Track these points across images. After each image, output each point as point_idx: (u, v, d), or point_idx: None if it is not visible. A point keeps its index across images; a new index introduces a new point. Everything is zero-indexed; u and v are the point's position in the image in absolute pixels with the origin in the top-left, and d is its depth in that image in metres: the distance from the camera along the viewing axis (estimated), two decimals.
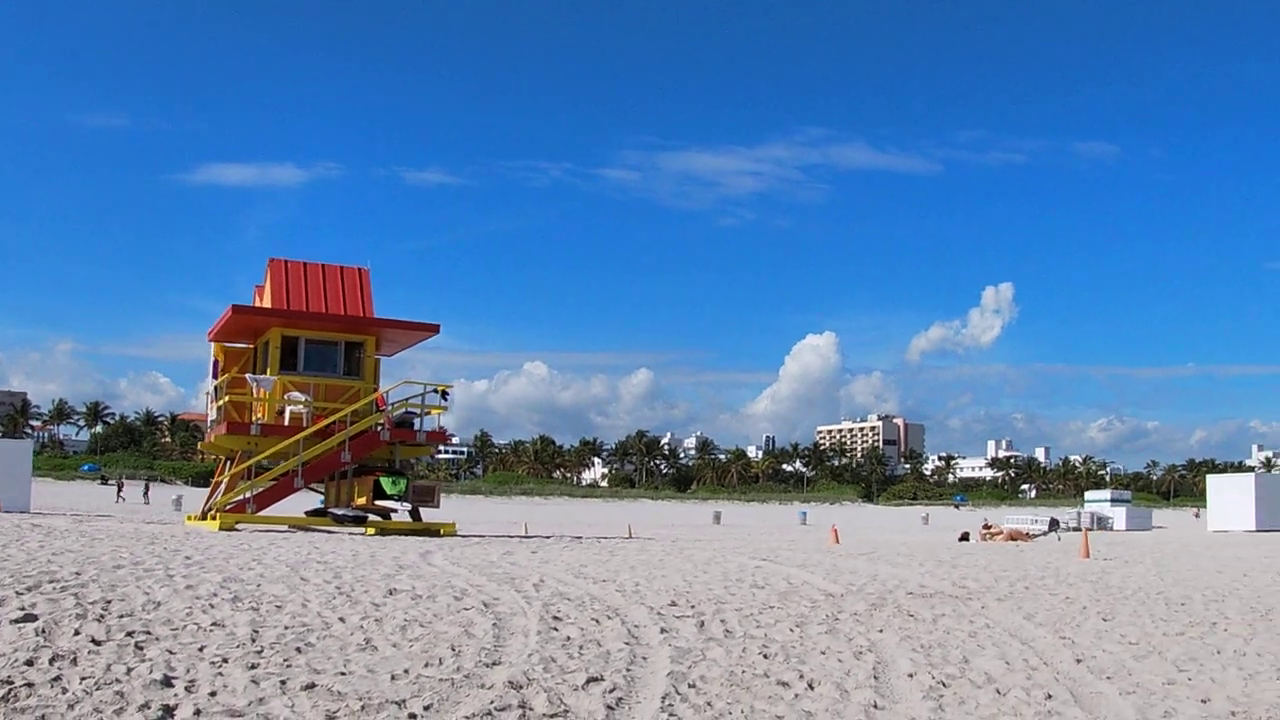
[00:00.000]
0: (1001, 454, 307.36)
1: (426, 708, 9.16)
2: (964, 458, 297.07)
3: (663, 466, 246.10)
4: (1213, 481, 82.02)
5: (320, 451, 33.96)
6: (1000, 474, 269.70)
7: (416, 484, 35.21)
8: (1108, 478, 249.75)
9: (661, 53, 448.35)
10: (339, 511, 34.58)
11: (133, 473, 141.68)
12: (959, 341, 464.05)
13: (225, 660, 10.44)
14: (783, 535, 50.98)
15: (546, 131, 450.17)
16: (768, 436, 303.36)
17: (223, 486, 36.76)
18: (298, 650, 11.07)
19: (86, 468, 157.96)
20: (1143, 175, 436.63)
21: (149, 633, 11.47)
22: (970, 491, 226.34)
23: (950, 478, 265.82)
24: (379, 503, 34.33)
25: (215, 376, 38.09)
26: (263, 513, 34.04)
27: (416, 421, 36.61)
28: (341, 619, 12.91)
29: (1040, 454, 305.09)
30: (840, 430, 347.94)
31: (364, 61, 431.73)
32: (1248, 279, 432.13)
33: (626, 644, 12.17)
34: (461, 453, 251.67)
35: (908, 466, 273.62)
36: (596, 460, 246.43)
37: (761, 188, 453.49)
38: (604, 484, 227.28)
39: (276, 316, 35.93)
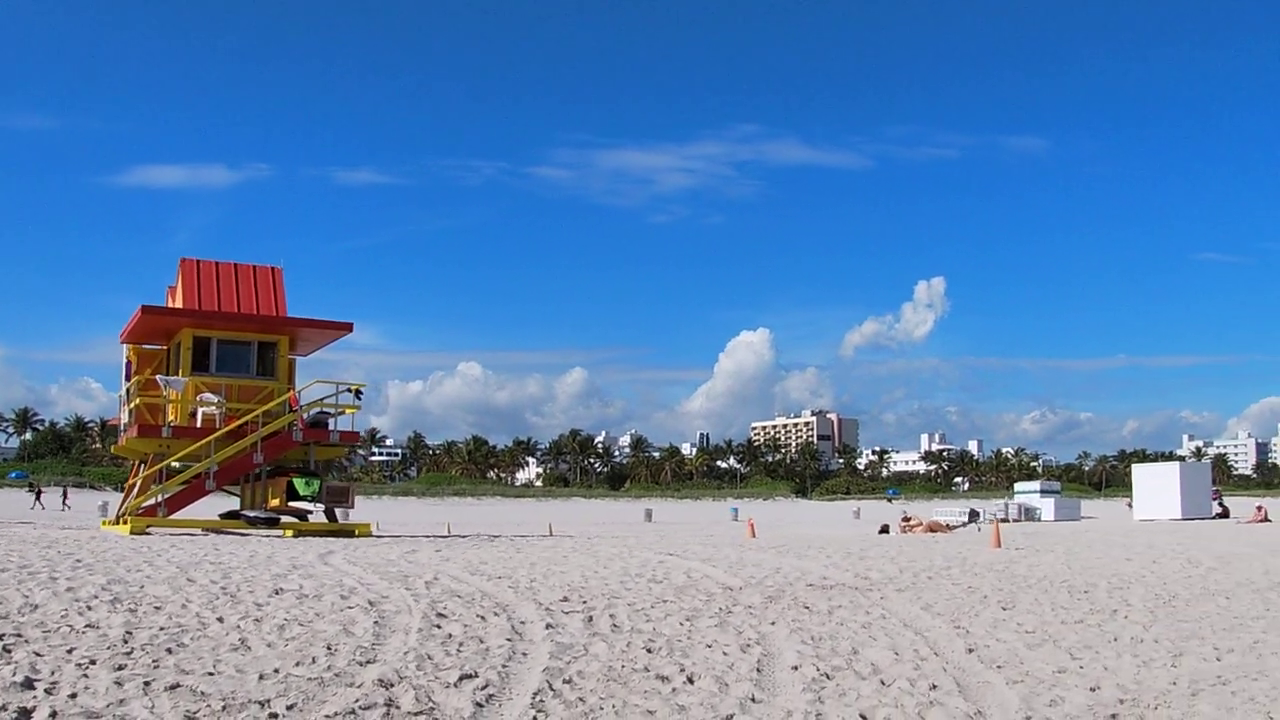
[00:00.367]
0: (935, 447, 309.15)
1: (290, 707, 8.93)
2: (898, 452, 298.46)
3: (597, 465, 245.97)
4: (1138, 471, 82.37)
5: (232, 453, 33.54)
6: (933, 467, 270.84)
7: (330, 485, 34.88)
8: (1040, 469, 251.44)
9: (594, 51, 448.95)
10: (251, 514, 34.14)
11: (60, 479, 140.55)
12: (892, 336, 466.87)
13: (93, 662, 10.18)
14: (708, 531, 50.75)
15: (479, 130, 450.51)
16: (702, 434, 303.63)
17: (135, 490, 36.28)
18: (169, 651, 10.81)
19: (15, 475, 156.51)
20: (1073, 169, 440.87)
21: (19, 635, 11.25)
22: (904, 485, 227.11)
23: (884, 472, 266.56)
24: (293, 504, 33.97)
25: (128, 378, 37.56)
26: (177, 516, 33.63)
27: (331, 422, 36.17)
28: (220, 619, 12.67)
29: (973, 447, 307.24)
30: (774, 426, 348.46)
31: (293, 61, 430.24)
32: (1177, 270, 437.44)
33: (509, 640, 11.99)
34: (395, 454, 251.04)
35: (841, 461, 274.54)
36: (531, 460, 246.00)
37: (694, 184, 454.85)
38: (538, 484, 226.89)
39: (187, 317, 35.47)
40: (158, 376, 35.55)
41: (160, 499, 33.61)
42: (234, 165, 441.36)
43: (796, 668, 11.06)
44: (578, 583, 17.27)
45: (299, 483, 33.52)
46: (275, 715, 8.73)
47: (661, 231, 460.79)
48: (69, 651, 10.58)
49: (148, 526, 32.03)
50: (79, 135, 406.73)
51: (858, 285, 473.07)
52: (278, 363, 36.26)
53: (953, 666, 11.38)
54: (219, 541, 26.46)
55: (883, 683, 10.53)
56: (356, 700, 9.17)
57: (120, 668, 10.03)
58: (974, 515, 64.62)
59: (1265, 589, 19.21)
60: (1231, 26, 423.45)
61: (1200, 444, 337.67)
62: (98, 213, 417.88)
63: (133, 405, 36.01)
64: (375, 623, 12.77)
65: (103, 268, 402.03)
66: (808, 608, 15.20)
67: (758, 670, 10.92)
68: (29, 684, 9.25)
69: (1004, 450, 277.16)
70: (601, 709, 9.31)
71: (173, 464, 34.28)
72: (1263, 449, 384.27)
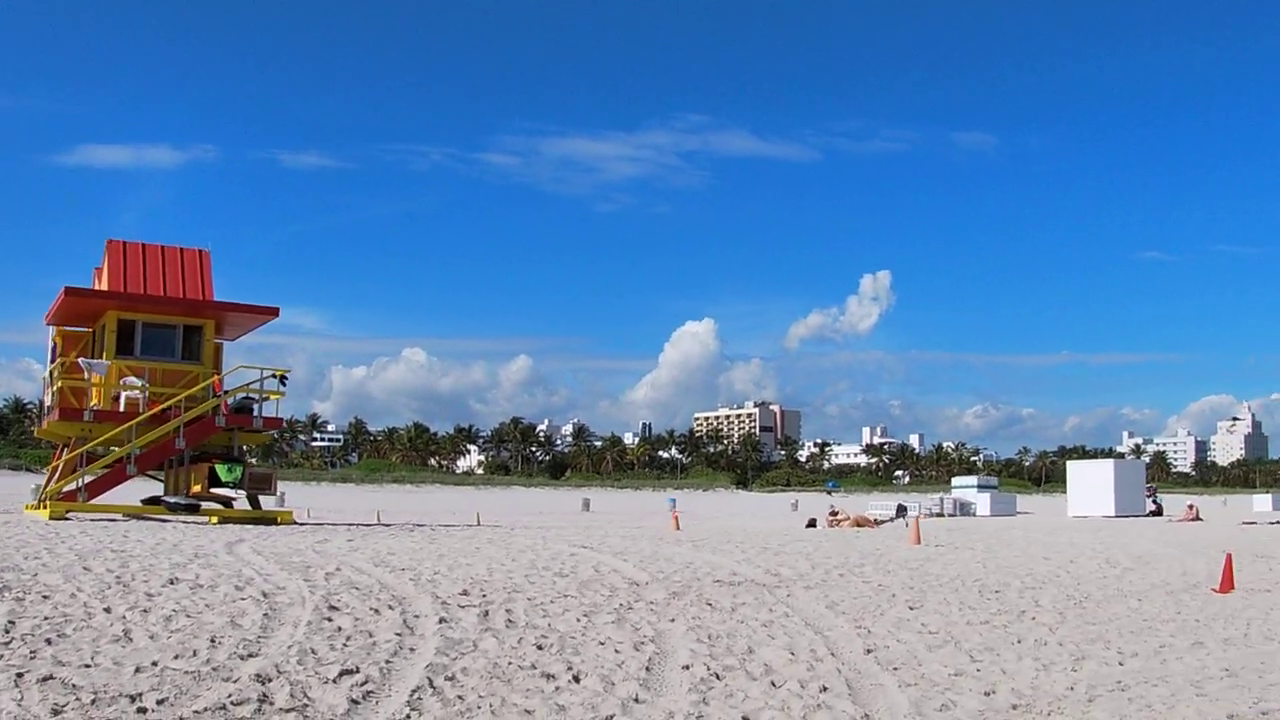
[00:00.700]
0: (876, 440, 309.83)
1: (160, 701, 8.75)
2: (839, 444, 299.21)
3: (539, 454, 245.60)
4: (1073, 468, 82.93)
5: (154, 438, 33.16)
6: (874, 460, 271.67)
7: (253, 471, 34.62)
8: (980, 464, 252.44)
9: (541, 38, 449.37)
10: (171, 500, 33.77)
11: None
12: (837, 329, 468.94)
13: None
14: (641, 522, 50.62)
15: (427, 115, 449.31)
16: (645, 423, 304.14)
17: (57, 474, 35.86)
18: (48, 642, 10.60)
19: None
20: (1020, 166, 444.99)
21: None
22: (844, 478, 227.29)
23: (825, 464, 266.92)
24: (214, 490, 33.67)
25: (52, 361, 37.14)
26: (99, 501, 33.23)
27: (256, 407, 35.79)
28: (107, 609, 12.40)
29: (914, 440, 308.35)
30: (717, 417, 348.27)
31: (240, 43, 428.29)
32: (1121, 269, 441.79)
33: (398, 635, 11.79)
34: (337, 440, 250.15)
35: (783, 453, 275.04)
36: (473, 448, 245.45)
37: (641, 173, 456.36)
38: (479, 471, 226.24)
39: (111, 299, 35.03)
40: (80, 360, 35.13)
41: (80, 484, 33.19)
42: (180, 146, 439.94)
43: (688, 667, 10.92)
44: (482, 576, 17.07)
45: (221, 469, 33.23)
46: (144, 710, 8.53)
47: (608, 220, 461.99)
48: None
49: (68, 512, 31.62)
50: (23, 114, 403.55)
51: (803, 277, 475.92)
52: (204, 347, 35.85)
53: (848, 668, 11.28)
54: (130, 529, 26.06)
55: (773, 684, 10.41)
56: (230, 695, 8.99)
57: None
58: (901, 510, 64.85)
59: (1179, 591, 19.23)
60: (1178, 30, 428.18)
61: (1140, 441, 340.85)
62: (42, 193, 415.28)
63: (56, 388, 35.58)
64: (265, 615, 12.54)
65: (45, 247, 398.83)
66: (710, 605, 15.05)
67: (647, 669, 10.78)
68: None
69: (945, 444, 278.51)
70: (479, 708, 9.15)
71: (95, 449, 33.90)
72: (1202, 447, 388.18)
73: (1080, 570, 22.11)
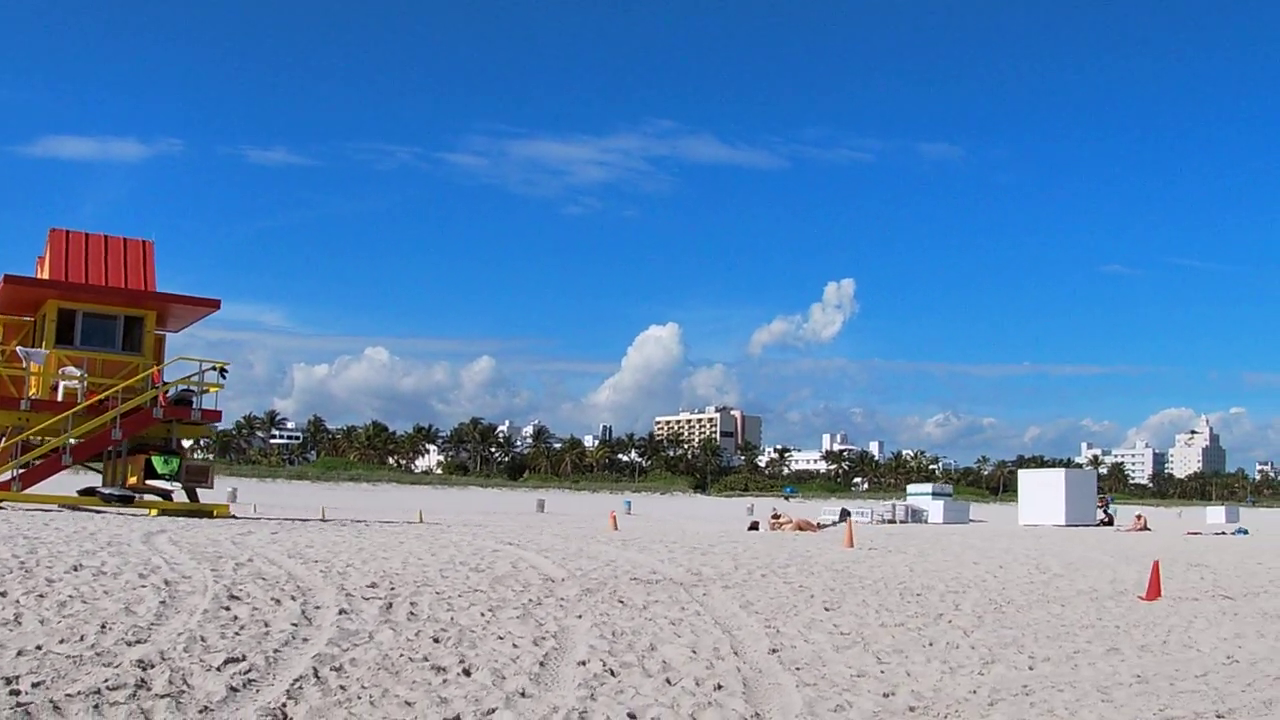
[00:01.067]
0: (836, 447, 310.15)
1: (36, 685, 8.65)
2: (799, 450, 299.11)
3: (498, 455, 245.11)
4: (1024, 477, 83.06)
5: (90, 429, 32.90)
6: (834, 467, 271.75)
7: (190, 464, 34.41)
8: (938, 472, 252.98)
9: (511, 39, 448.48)
10: (106, 490, 33.54)
11: None
12: (800, 336, 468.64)
13: None
14: (591, 522, 50.48)
15: (394, 114, 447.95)
16: (605, 426, 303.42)
17: None
18: None
19: None
20: (985, 177, 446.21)
21: None
22: (803, 484, 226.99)
23: (785, 470, 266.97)
24: (151, 482, 33.43)
25: None
26: (33, 491, 32.95)
27: (195, 400, 35.52)
28: (3, 593, 12.31)
29: (874, 448, 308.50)
30: (678, 421, 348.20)
31: (209, 37, 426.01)
32: (1083, 281, 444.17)
33: (294, 625, 11.70)
34: (296, 437, 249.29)
35: (743, 458, 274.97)
36: (432, 448, 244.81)
37: (609, 177, 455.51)
38: (438, 471, 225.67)
39: (52, 288, 34.79)
40: (19, 349, 34.85)
41: (14, 473, 32.92)
42: (146, 139, 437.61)
43: (584, 663, 10.82)
44: (395, 569, 16.97)
45: (157, 461, 32.99)
46: (18, 692, 8.44)
47: (575, 223, 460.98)
48: None
49: (1, 501, 31.36)
50: None
51: (768, 284, 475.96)
52: (144, 338, 35.60)
53: (749, 667, 11.18)
54: (55, 518, 25.87)
55: (669, 681, 10.30)
56: (106, 680, 8.88)
57: None
58: (845, 514, 64.60)
59: (1105, 597, 19.22)
60: (1142, 44, 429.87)
61: (1099, 452, 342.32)
62: (3, 183, 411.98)
63: None
64: (162, 602, 12.42)
65: (6, 238, 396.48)
66: (622, 602, 14.97)
67: (541, 664, 10.67)
68: None
69: (904, 452, 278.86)
70: (360, 698, 9.03)
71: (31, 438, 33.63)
72: (1160, 459, 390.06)
73: (1008, 576, 22.13)
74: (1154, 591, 19.52)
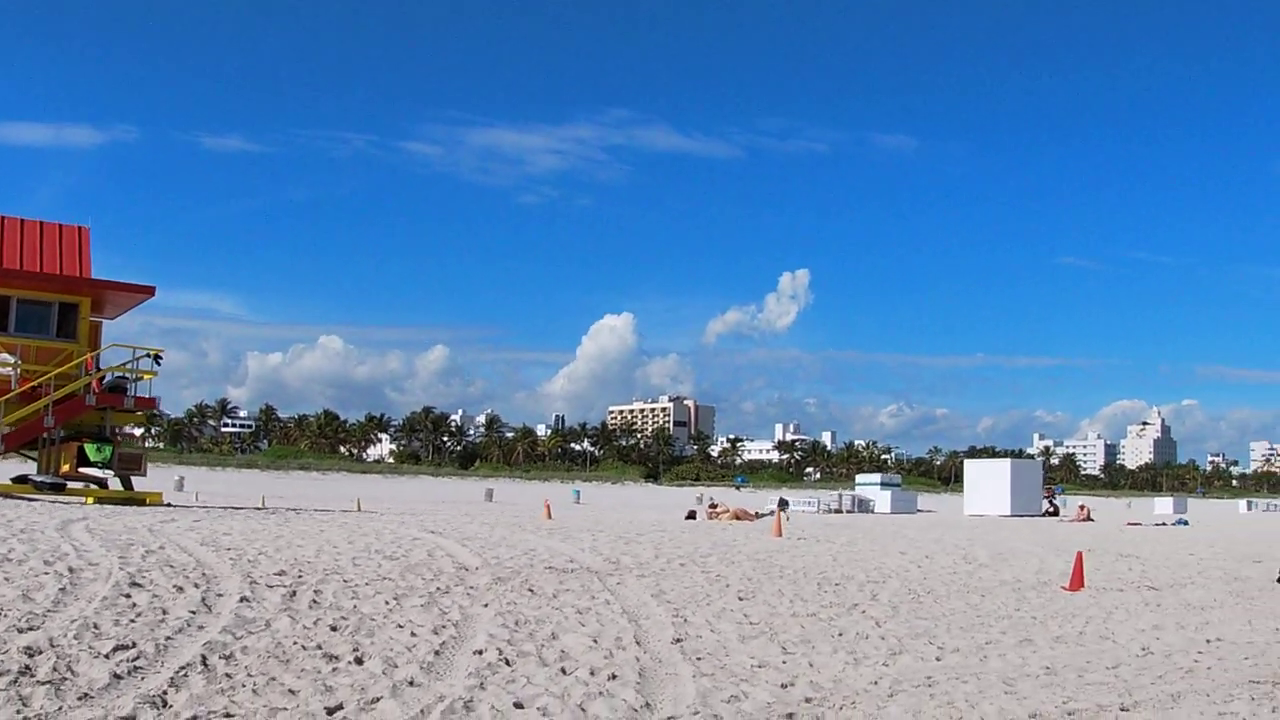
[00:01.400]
0: (789, 437, 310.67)
1: None
2: (752, 440, 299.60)
3: (450, 444, 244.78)
4: (970, 467, 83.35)
5: (22, 416, 32.67)
6: (786, 457, 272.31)
7: (123, 452, 34.23)
8: (890, 462, 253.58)
9: (466, 26, 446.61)
10: (38, 479, 33.33)
11: None
12: (755, 326, 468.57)
13: None
14: (536, 512, 50.38)
15: (349, 101, 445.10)
16: (558, 415, 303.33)
17: None
18: None
19: None
20: (941, 169, 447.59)
21: None
22: (755, 473, 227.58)
23: (737, 459, 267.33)
24: (84, 470, 33.22)
25: None
26: None
27: (129, 387, 35.30)
28: None
29: (826, 438, 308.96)
30: (631, 410, 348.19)
31: (163, 23, 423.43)
32: (1038, 273, 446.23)
33: (192, 612, 11.62)
34: (248, 426, 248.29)
35: (695, 448, 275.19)
36: (384, 436, 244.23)
37: (564, 166, 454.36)
38: (390, 460, 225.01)
39: None
40: None
41: None
42: (101, 126, 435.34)
43: (480, 652, 10.78)
44: (307, 557, 16.90)
45: (90, 449, 32.80)
46: None
47: (530, 212, 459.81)
48: None
49: None
50: None
51: (723, 274, 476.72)
52: (79, 325, 35.33)
53: (649, 657, 11.15)
54: None
55: (563, 671, 10.27)
56: None
57: None
58: (783, 504, 64.67)
59: (1027, 587, 19.27)
60: (1097, 41, 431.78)
61: (1051, 443, 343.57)
62: None
63: None
64: (61, 590, 12.31)
65: None
66: (532, 590, 14.94)
67: (436, 653, 10.62)
68: None
69: (856, 442, 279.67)
70: (244, 686, 8.97)
71: None
72: (1111, 450, 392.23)
73: (933, 566, 22.17)
74: (1077, 582, 19.57)
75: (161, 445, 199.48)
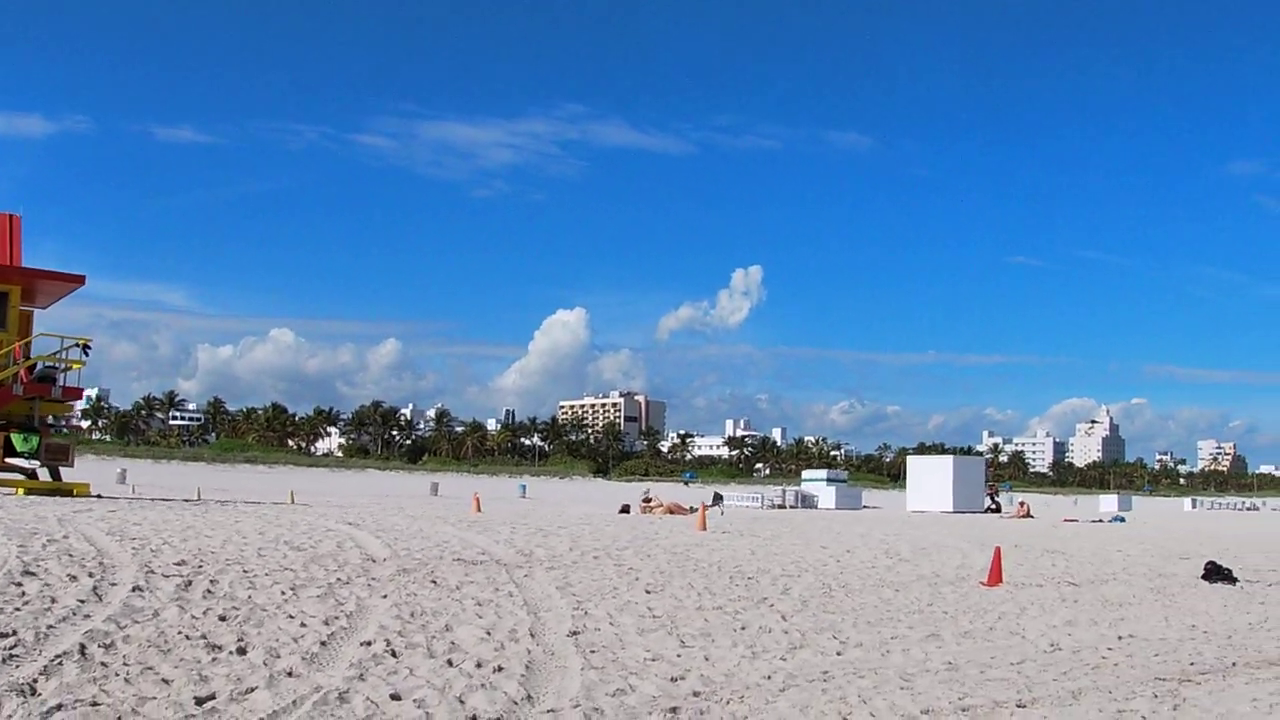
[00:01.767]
0: (739, 433, 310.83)
1: None
2: (703, 436, 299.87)
3: (400, 438, 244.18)
4: (912, 463, 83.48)
5: None
6: (736, 453, 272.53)
7: (50, 442, 33.91)
8: (840, 458, 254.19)
9: (421, 19, 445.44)
10: None
11: None
12: (707, 322, 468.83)
13: None
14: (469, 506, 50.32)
15: (303, 93, 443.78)
16: (508, 410, 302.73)
17: None
18: None
19: None
20: (895, 168, 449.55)
21: None
22: (704, 469, 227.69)
23: (687, 455, 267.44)
24: (11, 460, 32.94)
25: None
26: None
27: (59, 377, 35.02)
28: None
29: (777, 434, 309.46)
30: (582, 406, 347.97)
31: (115, 13, 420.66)
32: (989, 272, 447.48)
33: (81, 601, 11.54)
34: (197, 419, 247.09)
35: (645, 443, 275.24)
36: (333, 430, 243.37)
37: (518, 161, 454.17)
38: (339, 454, 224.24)
39: None
40: None
41: None
42: (52, 116, 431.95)
43: (368, 643, 10.72)
44: (213, 548, 16.77)
45: (16, 439, 32.52)
46: None
47: (483, 206, 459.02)
48: None
49: None
50: None
51: (676, 270, 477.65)
52: (8, 314, 34.99)
53: (541, 650, 11.10)
54: None
55: (450, 663, 10.21)
56: None
57: None
58: (717, 498, 64.68)
59: (945, 583, 19.31)
60: (1047, 42, 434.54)
61: (1000, 441, 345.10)
62: None
63: None
64: None
65: None
66: (435, 582, 14.87)
67: (323, 644, 10.56)
68: None
69: (806, 438, 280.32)
70: (119, 675, 8.91)
71: None
72: (1060, 448, 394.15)
73: (853, 560, 22.16)
74: (995, 577, 19.59)
75: (109, 438, 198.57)
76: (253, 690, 8.74)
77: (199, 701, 8.37)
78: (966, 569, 21.81)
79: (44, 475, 34.28)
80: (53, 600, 11.39)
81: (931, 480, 75.68)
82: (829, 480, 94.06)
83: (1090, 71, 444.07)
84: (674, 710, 9.07)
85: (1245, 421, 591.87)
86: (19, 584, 12.11)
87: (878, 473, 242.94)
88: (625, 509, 46.90)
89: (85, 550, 15.30)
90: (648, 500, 50.17)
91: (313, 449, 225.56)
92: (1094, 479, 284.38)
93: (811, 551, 23.49)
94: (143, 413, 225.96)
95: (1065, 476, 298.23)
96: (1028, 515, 63.16)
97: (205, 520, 22.17)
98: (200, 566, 14.54)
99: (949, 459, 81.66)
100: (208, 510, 26.37)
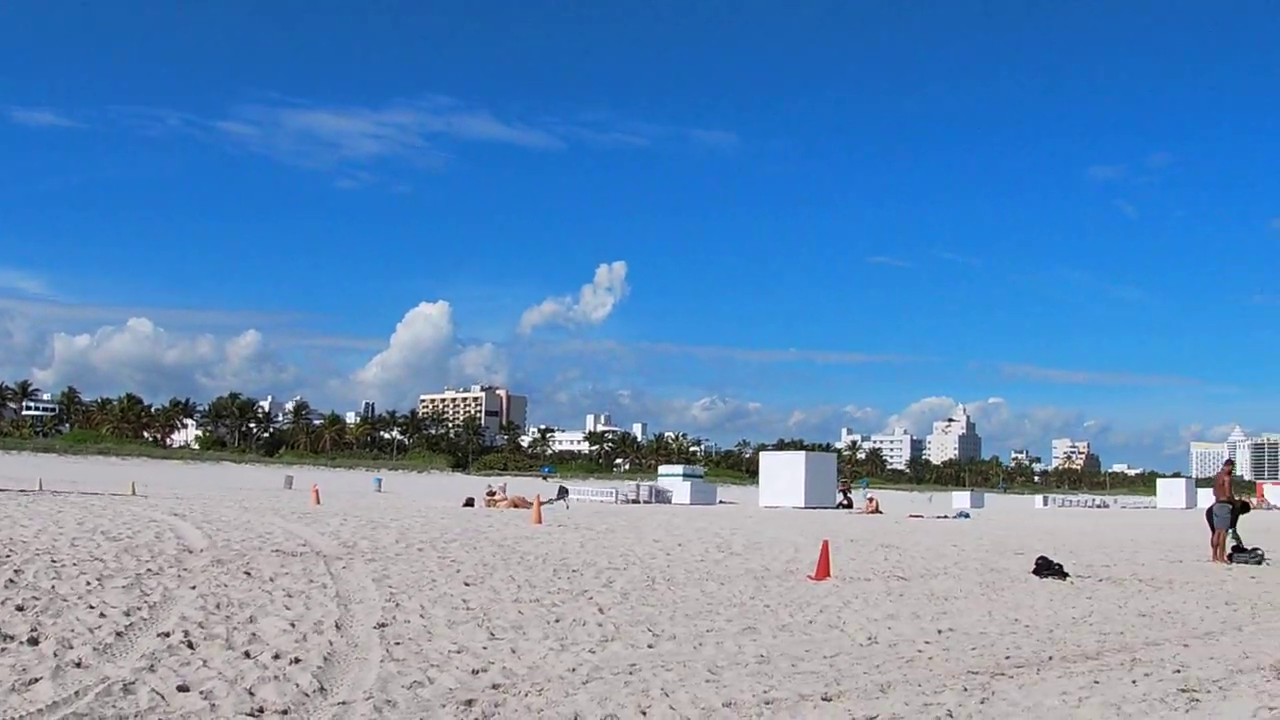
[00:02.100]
0: (600, 428, 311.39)
1: None
2: (563, 431, 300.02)
3: (258, 430, 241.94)
4: (765, 459, 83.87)
5: None
6: (596, 448, 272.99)
7: None
8: (699, 454, 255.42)
9: (286, 5, 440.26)
10: None
11: None
12: (571, 317, 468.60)
13: None
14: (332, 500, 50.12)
15: (164, 78, 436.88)
16: (367, 403, 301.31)
17: None
18: None
19: None
20: (759, 166, 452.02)
21: None
22: (564, 464, 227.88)
23: (548, 450, 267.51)
24: None
25: None
26: None
27: None
28: None
29: (638, 429, 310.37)
30: (443, 400, 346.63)
31: None
32: (851, 271, 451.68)
33: None
34: (50, 410, 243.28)
35: (506, 438, 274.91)
36: (190, 422, 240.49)
37: (383, 151, 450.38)
38: (195, 446, 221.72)
39: None
40: None
41: None
42: None
43: (166, 634, 10.64)
44: (25, 537, 16.69)
45: None
46: None
47: (347, 197, 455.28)
48: None
49: None
50: None
51: (540, 264, 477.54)
52: None
53: (344, 641, 11.06)
54: None
55: (247, 654, 10.14)
56: None
57: None
58: (563, 492, 64.83)
59: (772, 576, 19.48)
60: (912, 49, 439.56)
61: (858, 438, 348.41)
62: None
63: None
64: None
65: None
66: (249, 573, 14.82)
67: (119, 634, 10.47)
68: None
69: (666, 434, 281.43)
70: None
71: None
72: (918, 446, 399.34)
73: (684, 554, 22.30)
74: (822, 571, 19.72)
75: None
76: (36, 681, 8.62)
77: None
78: (796, 563, 21.97)
79: None
80: None
81: (784, 476, 76.05)
82: (685, 475, 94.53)
83: (953, 75, 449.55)
84: (469, 703, 9.03)
85: (1099, 421, 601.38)
86: None
87: (737, 469, 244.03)
88: (470, 502, 46.88)
89: None
90: (492, 494, 50.10)
91: (169, 441, 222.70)
92: (950, 477, 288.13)
93: (643, 545, 23.61)
94: None
95: (922, 474, 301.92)
96: (876, 511, 63.95)
97: (28, 511, 21.92)
98: (8, 556, 14.37)
99: (801, 455, 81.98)
100: (34, 500, 26.02)
